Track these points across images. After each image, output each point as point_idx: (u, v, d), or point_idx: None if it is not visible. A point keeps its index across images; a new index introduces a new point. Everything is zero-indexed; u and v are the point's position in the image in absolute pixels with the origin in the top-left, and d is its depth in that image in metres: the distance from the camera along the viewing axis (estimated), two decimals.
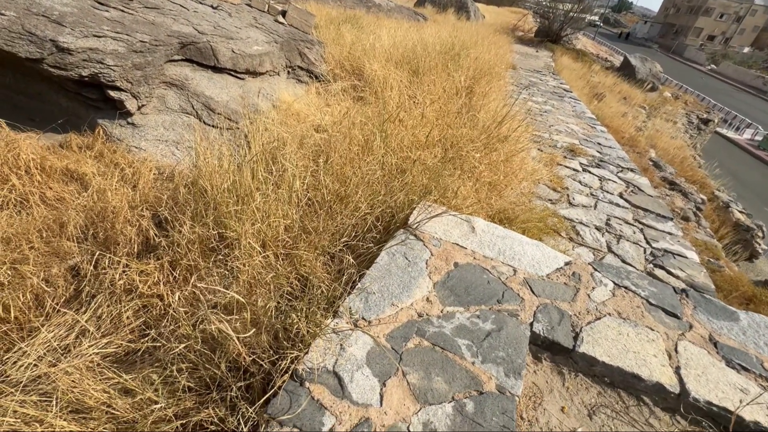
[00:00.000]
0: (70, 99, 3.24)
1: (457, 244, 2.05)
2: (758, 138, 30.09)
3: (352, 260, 1.91)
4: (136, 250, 2.11)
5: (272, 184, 2.21)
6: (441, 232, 2.11)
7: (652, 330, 1.69)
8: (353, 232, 2.10)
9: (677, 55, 60.90)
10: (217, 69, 4.22)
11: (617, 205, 3.86)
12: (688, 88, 39.86)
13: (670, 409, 1.49)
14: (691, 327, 1.75)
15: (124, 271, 1.93)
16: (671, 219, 3.77)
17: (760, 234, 7.22)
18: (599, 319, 1.72)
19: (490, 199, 2.89)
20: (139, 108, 3.40)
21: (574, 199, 3.79)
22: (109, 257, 1.99)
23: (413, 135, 3.20)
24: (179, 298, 1.67)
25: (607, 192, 4.10)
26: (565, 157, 4.86)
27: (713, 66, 54.61)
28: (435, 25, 15.08)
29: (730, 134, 30.82)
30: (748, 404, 1.39)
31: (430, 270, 1.86)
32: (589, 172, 4.52)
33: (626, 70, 16.26)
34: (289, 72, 5.69)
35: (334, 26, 8.00)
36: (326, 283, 1.79)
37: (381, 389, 1.31)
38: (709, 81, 46.95)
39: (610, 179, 4.43)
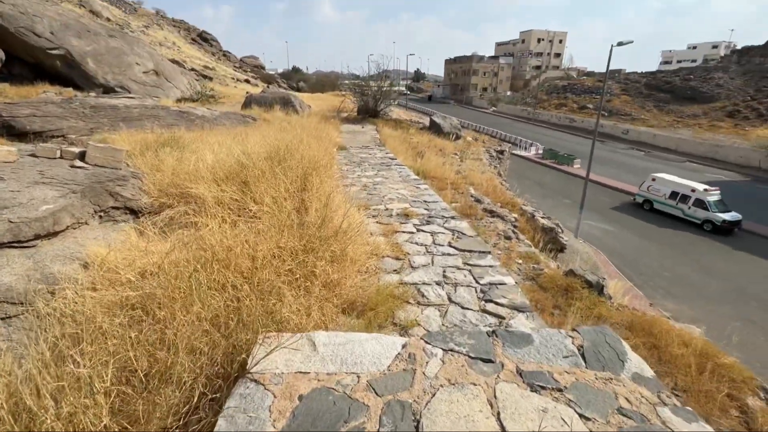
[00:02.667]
0: None
1: (300, 372, 2.05)
2: (540, 152, 40.04)
3: None
4: None
5: (68, 387, 1.86)
6: (282, 364, 2.09)
7: (475, 385, 1.98)
8: (185, 406, 1.89)
9: (469, 105, 78.38)
10: None
11: (448, 254, 4.51)
12: (484, 126, 51.12)
13: None
14: (503, 366, 2.11)
15: None
16: (489, 253, 4.58)
17: (559, 230, 9.36)
18: (434, 395, 1.91)
19: (333, 297, 3.03)
20: None
21: (414, 261, 4.28)
22: None
23: (244, 254, 3.19)
24: None
25: (439, 245, 4.77)
26: (401, 222, 5.52)
27: (494, 108, 71.91)
28: (265, 124, 15.96)
29: (523, 153, 40.16)
30: (543, 421, 1.72)
31: (274, 417, 1.79)
32: (422, 230, 5.22)
33: (434, 128, 20.02)
34: (101, 216, 5.11)
35: (151, 152, 7.66)
36: None
37: None
38: (495, 119, 61.50)
39: (439, 232, 5.18)
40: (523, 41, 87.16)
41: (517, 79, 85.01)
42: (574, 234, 20.61)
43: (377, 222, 5.50)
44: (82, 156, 6.02)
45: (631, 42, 20.36)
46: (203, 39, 65.96)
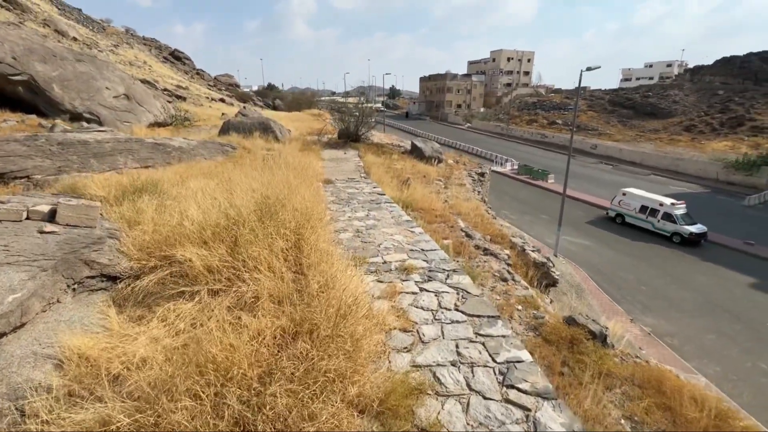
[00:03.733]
0: None
1: None
2: (516, 168, 41.21)
3: None
4: None
5: None
6: None
7: None
8: None
9: (444, 121, 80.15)
10: None
11: (457, 321, 4.32)
12: (461, 143, 52.20)
13: None
14: None
15: None
16: (499, 317, 4.42)
17: (551, 264, 9.40)
18: None
19: (351, 406, 2.77)
20: None
21: (424, 334, 4.06)
22: None
23: (249, 360, 2.87)
24: None
25: (446, 308, 4.58)
26: (402, 280, 5.29)
27: (469, 124, 73.79)
28: (245, 154, 15.53)
29: (499, 169, 41.21)
30: None
31: None
32: (426, 290, 5.01)
33: (416, 152, 20.09)
34: (74, 290, 4.62)
35: (128, 200, 7.17)
36: None
37: None
38: (471, 135, 63.07)
39: (443, 291, 4.99)
40: (493, 60, 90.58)
41: (489, 96, 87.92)
42: (554, 251, 21.03)
43: (377, 280, 5.26)
44: (52, 215, 5.50)
45: (599, 67, 21.38)
46: (176, 57, 64.88)
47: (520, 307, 6.42)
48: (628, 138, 53.76)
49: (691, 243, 22.75)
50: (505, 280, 7.33)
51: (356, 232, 7.13)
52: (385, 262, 5.83)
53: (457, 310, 4.56)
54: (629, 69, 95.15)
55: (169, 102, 31.50)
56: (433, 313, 4.46)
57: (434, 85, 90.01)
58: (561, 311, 7.30)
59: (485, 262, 8.10)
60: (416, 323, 4.24)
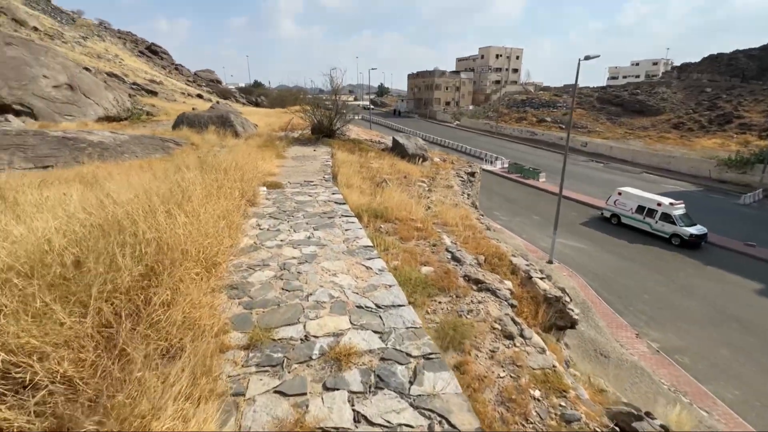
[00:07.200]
0: None
1: None
2: (506, 166, 39.08)
3: None
4: None
5: None
6: None
7: None
8: None
9: (433, 119, 77.84)
10: None
11: None
12: (449, 141, 50.03)
13: None
14: None
15: None
16: None
17: (567, 299, 6.96)
18: None
19: None
20: None
21: None
22: None
23: None
24: None
25: None
26: (325, 390, 2.76)
27: (458, 122, 71.62)
28: (188, 151, 12.82)
29: (489, 167, 38.98)
30: None
31: None
32: (365, 418, 2.50)
33: (398, 150, 17.57)
34: None
35: None
36: None
37: None
38: (459, 133, 60.92)
39: (399, 422, 2.48)
40: (482, 57, 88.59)
41: (478, 93, 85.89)
42: (550, 256, 18.77)
43: (276, 390, 2.72)
44: None
45: (599, 56, 19.15)
46: (152, 51, 61.75)
47: (537, 394, 3.96)
48: (617, 135, 52.25)
49: (691, 245, 20.77)
50: (510, 337, 4.87)
51: (281, 270, 4.57)
52: (306, 338, 3.30)
53: None
54: (616, 67, 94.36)
55: (132, 96, 28.57)
56: None
57: (422, 82, 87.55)
58: (593, 381, 4.88)
59: (479, 303, 5.64)
60: None
